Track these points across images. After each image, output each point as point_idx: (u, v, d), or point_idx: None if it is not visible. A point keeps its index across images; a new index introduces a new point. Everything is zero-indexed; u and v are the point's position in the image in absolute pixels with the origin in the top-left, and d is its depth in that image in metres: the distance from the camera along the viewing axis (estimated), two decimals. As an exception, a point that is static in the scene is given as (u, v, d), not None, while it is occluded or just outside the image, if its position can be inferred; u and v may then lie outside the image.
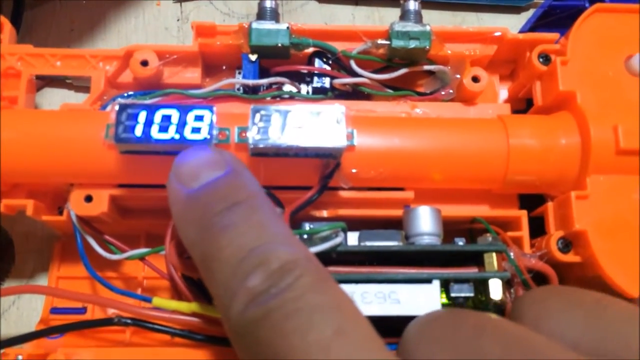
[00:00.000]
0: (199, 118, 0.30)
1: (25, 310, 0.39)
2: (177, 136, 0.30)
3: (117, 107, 0.30)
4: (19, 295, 0.39)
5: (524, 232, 0.34)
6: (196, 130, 0.30)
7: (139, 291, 0.37)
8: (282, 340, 0.21)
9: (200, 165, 0.26)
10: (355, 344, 0.20)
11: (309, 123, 0.30)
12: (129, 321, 0.31)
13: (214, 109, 0.30)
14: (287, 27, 0.34)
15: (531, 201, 0.35)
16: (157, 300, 0.31)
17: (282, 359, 0.20)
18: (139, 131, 0.29)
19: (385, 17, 0.46)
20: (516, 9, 0.46)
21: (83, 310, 0.36)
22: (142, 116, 0.30)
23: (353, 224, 0.33)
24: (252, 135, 0.30)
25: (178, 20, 0.46)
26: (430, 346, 0.23)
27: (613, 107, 0.32)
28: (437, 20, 0.46)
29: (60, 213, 0.35)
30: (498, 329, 0.22)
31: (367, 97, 0.36)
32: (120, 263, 0.38)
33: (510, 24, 0.45)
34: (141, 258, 0.34)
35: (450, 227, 0.34)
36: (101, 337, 0.35)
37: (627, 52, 0.33)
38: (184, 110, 0.30)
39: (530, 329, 0.22)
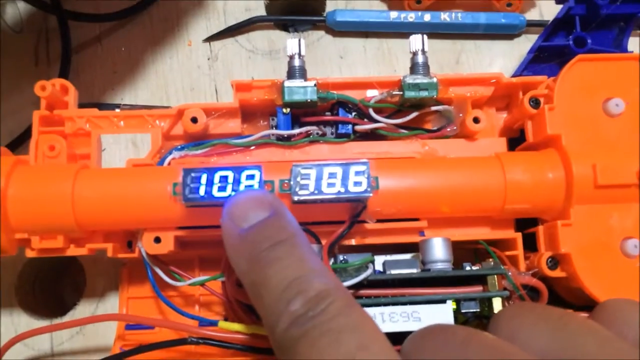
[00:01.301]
0: (251, 177, 0.36)
1: (100, 326, 0.45)
2: (233, 193, 0.36)
3: (182, 171, 0.36)
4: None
5: (519, 252, 0.40)
6: (249, 187, 0.36)
7: (196, 307, 0.44)
8: (317, 353, 0.26)
9: (248, 207, 0.32)
10: (374, 356, 0.26)
11: (340, 176, 0.36)
12: (200, 341, 0.38)
13: (262, 168, 0.36)
14: (315, 84, 0.40)
15: (526, 220, 0.42)
16: (222, 324, 0.38)
17: None
18: (202, 191, 0.36)
19: (393, 48, 0.51)
20: (509, 36, 0.51)
21: (152, 327, 0.43)
22: (204, 178, 0.36)
23: (377, 249, 0.40)
24: (294, 189, 0.36)
25: (209, 59, 0.51)
26: (425, 355, 0.29)
27: (593, 146, 0.39)
28: (439, 48, 0.52)
29: (129, 246, 0.42)
30: (482, 341, 0.28)
31: (383, 137, 0.42)
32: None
33: (504, 49, 0.51)
34: (202, 284, 0.41)
35: (458, 247, 0.41)
36: (169, 349, 0.42)
37: (606, 96, 0.39)
38: (237, 171, 0.36)
39: (506, 341, 0.29)
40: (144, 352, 0.39)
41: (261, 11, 0.52)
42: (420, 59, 0.41)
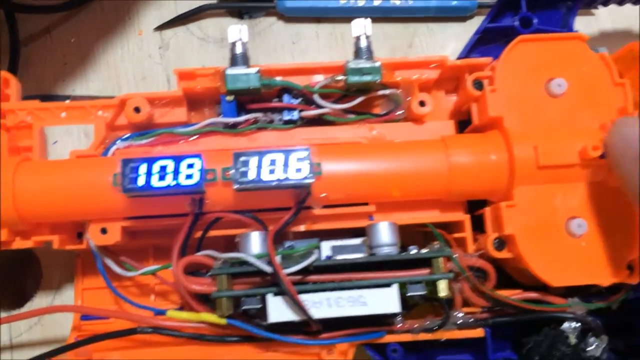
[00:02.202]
0: (191, 166, 0.36)
1: (57, 316, 0.45)
2: (173, 183, 0.36)
3: (120, 162, 0.36)
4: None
5: (467, 233, 0.41)
6: (189, 176, 0.36)
7: (152, 296, 0.44)
8: None
9: None
10: None
11: (281, 163, 0.36)
12: (149, 330, 0.38)
13: (202, 155, 0.36)
14: (257, 71, 0.40)
15: (480, 202, 0.42)
16: (171, 313, 0.38)
17: None
18: (141, 181, 0.36)
19: (346, 34, 0.51)
20: (462, 18, 0.51)
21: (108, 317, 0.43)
22: (143, 168, 0.36)
23: (327, 234, 0.40)
24: (235, 177, 0.36)
25: (160, 47, 0.51)
26: None
27: (535, 127, 0.39)
28: (391, 32, 0.52)
29: (80, 237, 0.41)
30: None
31: (331, 122, 0.42)
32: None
33: (457, 32, 0.51)
34: (153, 273, 0.41)
35: (409, 230, 0.41)
36: (125, 338, 0.42)
37: (548, 77, 0.39)
38: (177, 160, 0.36)
39: None
40: (96, 342, 0.39)
41: (213, -2, 0.52)
42: (363, 43, 0.41)
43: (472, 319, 0.39)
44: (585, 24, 0.51)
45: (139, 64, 0.50)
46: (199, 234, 0.40)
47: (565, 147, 0.38)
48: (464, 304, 0.40)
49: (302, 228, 0.40)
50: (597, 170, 0.38)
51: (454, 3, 0.50)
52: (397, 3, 0.50)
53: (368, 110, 0.44)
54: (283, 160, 0.36)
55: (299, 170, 0.36)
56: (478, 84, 0.40)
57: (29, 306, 0.46)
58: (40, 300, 0.46)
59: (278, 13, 0.51)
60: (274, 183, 0.36)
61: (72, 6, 0.50)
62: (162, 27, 0.51)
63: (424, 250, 0.38)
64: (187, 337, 0.39)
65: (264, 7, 0.51)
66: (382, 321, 0.39)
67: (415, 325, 0.39)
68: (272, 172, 0.36)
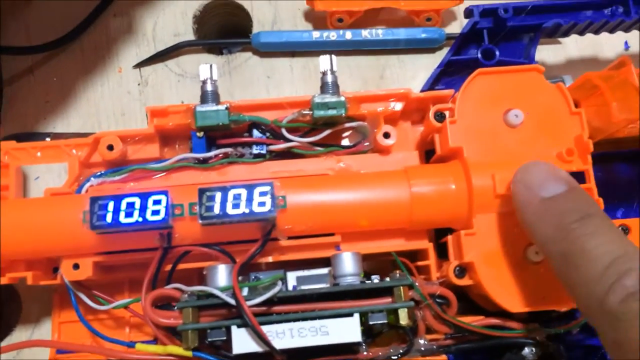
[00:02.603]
0: (157, 202, 0.37)
1: (36, 350, 0.46)
2: (140, 219, 0.37)
3: (89, 199, 0.37)
4: (29, 340, 0.47)
5: (431, 261, 0.41)
6: (156, 212, 0.37)
7: (126, 329, 0.45)
8: None
9: (545, 178, 0.35)
10: None
11: (245, 197, 0.38)
12: (117, 363, 0.40)
13: (168, 192, 0.38)
14: (226, 107, 0.41)
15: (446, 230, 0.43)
16: (139, 346, 0.39)
17: None
18: (109, 218, 0.37)
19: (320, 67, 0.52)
20: (431, 50, 0.53)
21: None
22: (111, 205, 0.37)
23: (294, 264, 0.41)
24: (201, 212, 0.37)
25: (139, 84, 0.52)
26: None
27: (493, 157, 0.40)
28: (363, 64, 0.53)
29: (55, 272, 0.43)
30: None
31: (300, 155, 0.44)
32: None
33: (427, 63, 0.53)
34: (125, 307, 0.42)
35: (377, 259, 0.42)
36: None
37: (506, 107, 0.40)
38: (144, 197, 0.37)
39: None
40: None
41: (190, 36, 0.54)
42: (329, 78, 0.43)
43: (435, 346, 0.40)
44: (552, 53, 0.53)
45: (119, 100, 0.52)
46: (170, 267, 0.41)
47: (521, 176, 0.39)
48: (427, 331, 0.40)
49: (270, 259, 0.41)
50: (554, 198, 0.39)
51: (423, 35, 0.52)
52: (368, 36, 0.51)
53: (336, 142, 0.45)
54: (246, 195, 0.38)
55: (262, 204, 0.38)
56: (440, 116, 0.42)
57: (8, 340, 0.47)
58: (19, 334, 0.47)
59: (253, 48, 0.53)
60: (238, 217, 0.37)
61: (54, 46, 0.52)
62: (141, 65, 0.53)
63: (386, 279, 0.39)
64: (155, 369, 0.40)
65: (240, 43, 0.53)
66: (347, 350, 0.40)
67: (379, 354, 0.40)
68: (236, 206, 0.37)
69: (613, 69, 0.40)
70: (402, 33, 0.52)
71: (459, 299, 0.41)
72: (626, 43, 0.53)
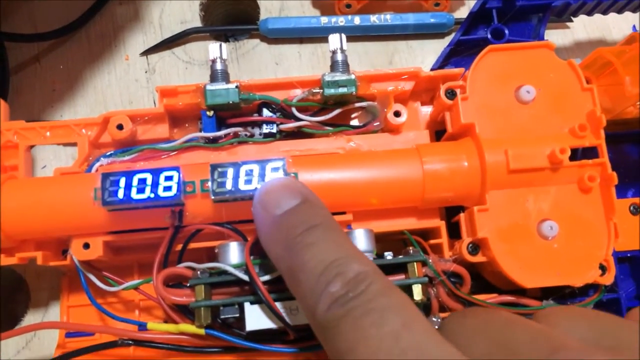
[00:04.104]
0: (169, 178, 0.37)
1: (45, 338, 0.46)
2: (152, 195, 0.37)
3: (100, 176, 0.37)
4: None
5: (444, 239, 0.41)
6: (167, 188, 0.37)
7: (136, 312, 0.44)
8: (361, 331, 0.27)
9: (279, 195, 0.34)
10: (418, 334, 0.27)
11: (257, 173, 0.37)
12: (130, 342, 0.39)
13: (180, 168, 0.37)
14: (236, 86, 0.41)
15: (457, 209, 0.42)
16: (151, 325, 0.39)
17: (360, 347, 0.27)
18: (121, 194, 0.37)
19: (328, 53, 0.52)
20: (440, 35, 0.53)
21: (92, 333, 0.44)
22: (122, 182, 0.37)
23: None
24: (213, 188, 0.37)
25: (146, 72, 0.52)
26: (468, 333, 0.31)
27: (506, 133, 0.40)
28: (372, 49, 0.53)
29: (64, 254, 0.42)
30: (526, 324, 0.30)
31: (310, 135, 0.43)
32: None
33: (436, 48, 0.52)
34: (135, 288, 0.41)
35: (388, 238, 0.42)
36: (110, 353, 0.42)
37: (517, 84, 0.40)
38: (156, 173, 0.37)
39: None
40: (77, 357, 0.40)
41: (197, 23, 0.54)
42: (339, 57, 0.42)
43: (450, 324, 0.40)
44: (561, 36, 0.53)
45: (126, 88, 0.52)
46: (180, 248, 0.40)
47: (534, 151, 0.39)
48: (441, 309, 0.40)
49: (281, 239, 0.41)
50: (566, 173, 0.39)
51: (431, 20, 0.52)
52: (376, 21, 0.51)
53: (346, 122, 0.45)
54: (259, 170, 0.37)
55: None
56: (451, 93, 0.42)
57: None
58: (28, 322, 0.47)
59: (261, 35, 0.53)
60: (250, 193, 0.37)
61: (60, 34, 0.52)
62: (148, 52, 0.52)
63: (399, 257, 0.39)
64: (167, 348, 0.39)
65: (247, 30, 0.53)
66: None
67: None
68: (248, 182, 0.37)
69: (624, 44, 0.40)
70: (410, 18, 0.52)
71: (472, 277, 0.40)
72: (634, 27, 0.53)
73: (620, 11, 0.46)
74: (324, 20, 0.51)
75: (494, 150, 0.39)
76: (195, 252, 0.41)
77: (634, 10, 0.47)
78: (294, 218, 0.32)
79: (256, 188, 0.37)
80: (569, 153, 0.38)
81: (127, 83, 0.52)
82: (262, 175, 0.37)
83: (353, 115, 0.46)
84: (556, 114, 0.40)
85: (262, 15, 0.54)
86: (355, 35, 0.52)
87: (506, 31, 0.45)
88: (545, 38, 0.47)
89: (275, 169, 0.37)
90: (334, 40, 0.43)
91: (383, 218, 0.42)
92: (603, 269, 0.39)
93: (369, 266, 0.30)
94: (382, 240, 0.42)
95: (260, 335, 0.38)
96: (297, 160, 0.40)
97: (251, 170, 0.37)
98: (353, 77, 0.42)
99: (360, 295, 0.28)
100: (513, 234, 0.38)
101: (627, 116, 0.43)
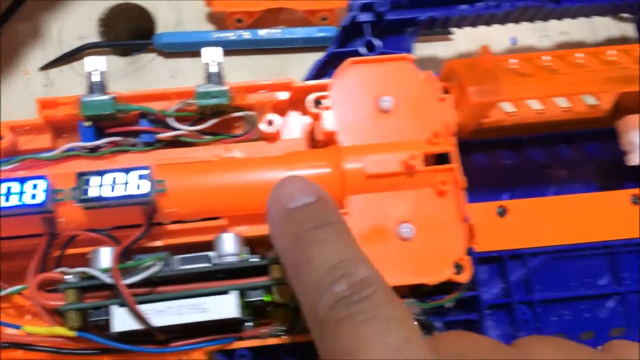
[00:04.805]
0: (36, 186, 0.39)
1: None
2: (19, 203, 0.38)
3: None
4: None
5: (313, 242, 0.43)
6: (35, 196, 0.38)
7: (27, 317, 0.45)
8: (361, 339, 0.27)
9: (296, 190, 0.34)
10: (418, 349, 0.27)
11: (122, 181, 0.39)
12: (5, 345, 0.40)
13: (47, 177, 0.39)
14: (112, 97, 0.43)
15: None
16: (26, 328, 0.40)
17: (359, 353, 0.27)
18: (-12, 202, 0.38)
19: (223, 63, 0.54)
20: (325, 47, 0.55)
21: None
22: (-9, 190, 0.38)
23: (184, 248, 0.42)
24: (77, 195, 0.39)
25: (45, 86, 0.54)
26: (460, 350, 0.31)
27: (365, 140, 0.42)
28: (265, 63, 0.55)
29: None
30: (510, 349, 0.31)
31: (191, 144, 0.45)
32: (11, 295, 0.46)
33: (324, 59, 0.55)
34: (18, 293, 0.43)
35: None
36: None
37: (378, 94, 0.43)
38: (22, 181, 0.39)
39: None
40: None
41: (95, 38, 0.55)
42: (213, 69, 0.45)
43: (317, 323, 0.42)
44: (444, 48, 0.56)
45: (25, 103, 0.53)
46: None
47: (390, 157, 0.41)
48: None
49: (159, 243, 0.43)
50: (421, 178, 0.41)
51: (319, 34, 0.54)
52: (265, 35, 0.54)
53: (229, 131, 0.47)
54: (124, 178, 0.39)
55: (139, 187, 0.39)
56: (317, 103, 0.44)
57: None
58: None
59: (158, 49, 0.55)
60: (115, 200, 0.39)
61: (-40, 50, 0.53)
62: (47, 67, 0.54)
63: (263, 259, 0.41)
64: (44, 351, 0.40)
65: (142, 44, 0.55)
66: (233, 328, 0.41)
67: (263, 331, 0.41)
68: (113, 189, 0.39)
69: (475, 57, 0.42)
70: (299, 32, 0.54)
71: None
72: (512, 39, 0.56)
73: (488, 24, 0.49)
74: (215, 35, 0.54)
75: (352, 157, 0.41)
76: (78, 259, 0.42)
77: (502, 24, 0.49)
78: (307, 214, 0.33)
79: (123, 195, 0.39)
80: (420, 159, 0.40)
81: (25, 98, 0.53)
82: (126, 183, 0.39)
83: (236, 125, 0.48)
84: (414, 122, 0.42)
85: (159, 30, 0.56)
86: (247, 49, 0.54)
87: (378, 44, 0.47)
88: (429, 50, 0.50)
89: (142, 177, 0.39)
90: (207, 53, 0.45)
91: (258, 222, 0.44)
92: (460, 268, 0.41)
93: (375, 272, 0.30)
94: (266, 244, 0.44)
95: (133, 337, 0.40)
96: (167, 167, 0.41)
97: (116, 178, 0.39)
98: (226, 88, 0.44)
99: (364, 300, 0.28)
100: (372, 236, 0.41)
101: (487, 125, 0.45)
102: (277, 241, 0.34)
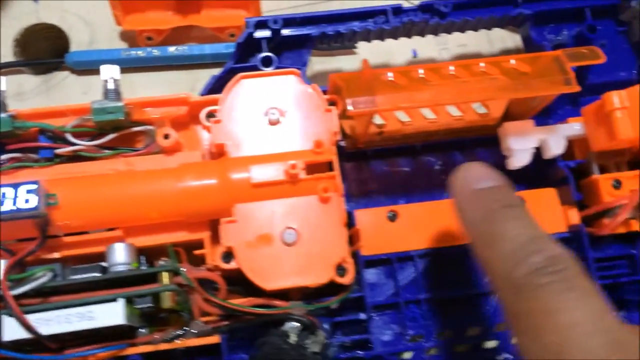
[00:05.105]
0: None
1: None
2: None
3: None
4: None
5: (207, 250, 0.44)
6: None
7: None
8: (564, 302, 0.30)
9: (481, 174, 0.37)
10: (614, 320, 0.30)
11: (11, 195, 0.40)
12: None
13: (-61, 193, 0.40)
14: (10, 115, 0.45)
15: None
16: None
17: (561, 314, 0.30)
18: None
19: (136, 82, 0.56)
20: (236, 63, 0.57)
21: None
22: None
23: (85, 259, 0.44)
24: (-32, 210, 0.40)
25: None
26: None
27: (253, 151, 0.44)
28: (176, 79, 0.57)
29: None
30: None
31: (91, 158, 0.47)
32: None
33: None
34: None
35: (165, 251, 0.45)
36: None
37: (267, 107, 0.45)
38: None
39: None
40: None
41: (10, 59, 0.57)
42: (110, 85, 0.46)
43: (209, 327, 0.43)
44: (349, 62, 0.58)
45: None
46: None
47: (275, 167, 0.43)
48: (204, 314, 0.43)
49: (56, 255, 0.44)
50: (305, 186, 0.43)
51: (227, 50, 0.56)
52: (175, 52, 0.56)
53: (132, 145, 0.48)
54: (13, 193, 0.41)
55: (27, 201, 0.40)
56: (210, 117, 0.46)
57: None
58: None
59: (71, 68, 0.56)
60: (6, 214, 0.40)
61: None
62: (-40, 86, 0.55)
63: (151, 267, 0.42)
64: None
65: (55, 62, 0.57)
66: (126, 335, 0.42)
67: (156, 336, 0.43)
68: (2, 204, 0.40)
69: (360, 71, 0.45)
70: (207, 48, 0.56)
71: (243, 283, 0.44)
72: (414, 51, 0.58)
73: (382, 39, 0.51)
74: (124, 52, 0.55)
75: (239, 168, 0.43)
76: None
77: (394, 38, 0.52)
78: (495, 195, 0.36)
79: (11, 210, 0.40)
80: (300, 168, 0.42)
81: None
82: (15, 198, 0.40)
83: (139, 139, 0.49)
84: (302, 133, 0.44)
85: (74, 49, 0.57)
86: (159, 65, 0.56)
87: (275, 59, 0.49)
88: (334, 64, 0.52)
89: (30, 191, 0.41)
90: (105, 70, 0.46)
91: (156, 232, 0.45)
92: (343, 270, 0.43)
93: (566, 251, 0.33)
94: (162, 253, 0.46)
95: (27, 345, 0.41)
96: (58, 182, 0.43)
97: (5, 194, 0.40)
98: (121, 104, 0.45)
99: (561, 272, 0.31)
100: (258, 242, 0.42)
101: (386, 134, 0.48)
102: (465, 213, 0.37)
